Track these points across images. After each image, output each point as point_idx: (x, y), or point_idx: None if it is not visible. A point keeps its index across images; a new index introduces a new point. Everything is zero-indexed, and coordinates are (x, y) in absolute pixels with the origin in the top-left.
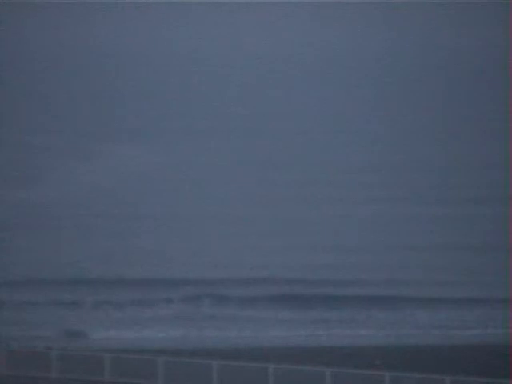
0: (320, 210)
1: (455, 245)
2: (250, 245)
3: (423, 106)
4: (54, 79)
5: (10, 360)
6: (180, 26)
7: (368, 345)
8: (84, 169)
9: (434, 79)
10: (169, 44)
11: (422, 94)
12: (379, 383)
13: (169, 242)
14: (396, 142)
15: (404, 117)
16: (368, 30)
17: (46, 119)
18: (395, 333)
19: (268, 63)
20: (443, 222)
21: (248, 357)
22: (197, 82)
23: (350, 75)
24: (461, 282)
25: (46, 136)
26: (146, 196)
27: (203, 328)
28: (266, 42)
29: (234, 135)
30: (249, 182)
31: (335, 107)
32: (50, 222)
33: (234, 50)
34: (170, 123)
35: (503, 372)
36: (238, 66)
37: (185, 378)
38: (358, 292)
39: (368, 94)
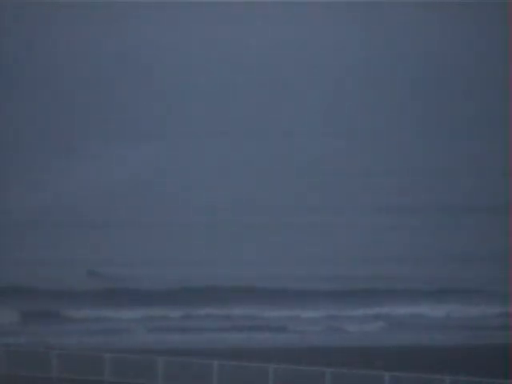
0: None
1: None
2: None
3: (423, 108)
4: (54, 81)
5: (10, 360)
6: (179, 26)
7: (368, 345)
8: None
9: (433, 79)
10: (169, 44)
11: (421, 95)
12: (379, 383)
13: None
14: (399, 144)
15: (405, 118)
16: (368, 30)
17: (45, 119)
18: None
19: (270, 64)
20: None
21: (248, 357)
22: (196, 83)
23: (352, 76)
24: None
25: (44, 137)
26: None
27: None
28: (267, 42)
29: (235, 136)
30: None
31: (335, 108)
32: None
33: (235, 51)
34: (171, 124)
35: (503, 372)
36: (239, 66)
37: (185, 378)
38: None
39: (370, 95)
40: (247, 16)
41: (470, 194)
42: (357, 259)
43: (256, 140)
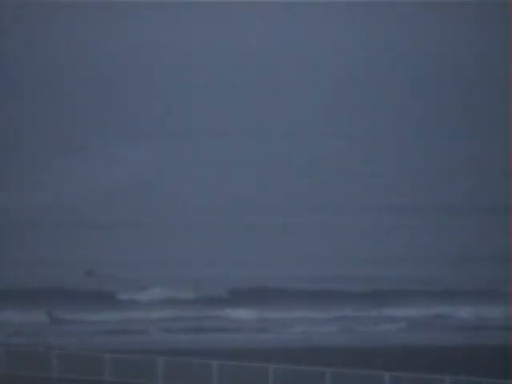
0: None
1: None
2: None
3: (423, 108)
4: (54, 81)
5: (10, 360)
6: (179, 26)
7: (368, 345)
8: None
9: (433, 79)
10: (169, 44)
11: (421, 95)
12: (379, 383)
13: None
14: (399, 144)
15: (405, 118)
16: (368, 30)
17: (45, 119)
18: None
19: (270, 64)
20: None
21: (248, 357)
22: (196, 83)
23: (352, 76)
24: None
25: (44, 137)
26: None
27: None
28: (267, 42)
29: (235, 136)
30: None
31: (335, 108)
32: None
33: (235, 51)
34: (171, 124)
35: (503, 372)
36: (239, 66)
37: (185, 378)
38: None
39: (370, 95)
40: (247, 16)
41: (470, 193)
42: (357, 259)
43: (256, 140)
